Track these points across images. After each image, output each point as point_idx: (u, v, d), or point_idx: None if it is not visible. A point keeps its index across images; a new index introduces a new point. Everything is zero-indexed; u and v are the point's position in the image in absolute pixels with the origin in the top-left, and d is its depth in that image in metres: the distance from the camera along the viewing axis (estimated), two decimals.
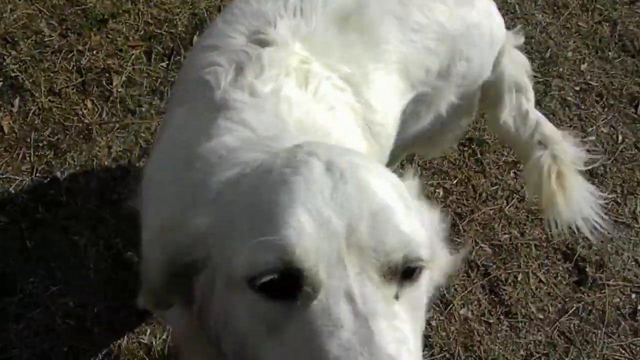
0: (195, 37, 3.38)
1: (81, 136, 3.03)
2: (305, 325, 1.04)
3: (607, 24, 3.98)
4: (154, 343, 2.63)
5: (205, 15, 3.47)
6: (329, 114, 1.70)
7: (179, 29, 3.41)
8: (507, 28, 3.47)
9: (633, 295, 3.06)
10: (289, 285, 1.06)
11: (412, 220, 1.17)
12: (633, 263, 3.14)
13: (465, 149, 3.30)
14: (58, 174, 2.92)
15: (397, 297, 1.11)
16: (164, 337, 2.64)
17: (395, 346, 1.00)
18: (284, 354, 1.06)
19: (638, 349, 2.92)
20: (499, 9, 3.30)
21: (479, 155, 3.29)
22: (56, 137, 3.02)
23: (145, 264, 1.34)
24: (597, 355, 2.87)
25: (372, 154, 1.86)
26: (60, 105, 3.10)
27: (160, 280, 1.26)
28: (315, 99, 1.70)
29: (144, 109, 3.14)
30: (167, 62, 3.30)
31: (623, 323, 2.97)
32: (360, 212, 1.10)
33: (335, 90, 1.78)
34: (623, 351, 2.90)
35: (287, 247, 1.05)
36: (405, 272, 1.12)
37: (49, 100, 3.11)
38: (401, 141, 2.18)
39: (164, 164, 1.71)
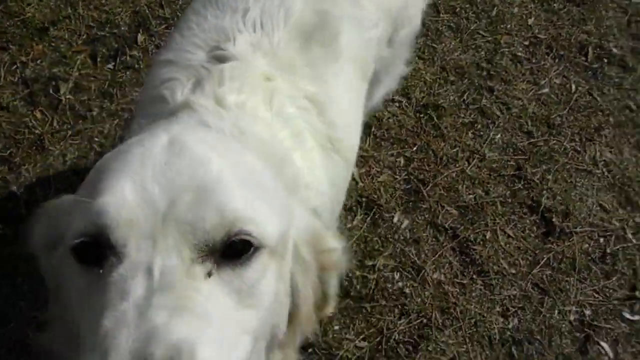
0: (139, 36, 3.34)
1: (34, 148, 2.99)
2: (100, 296, 1.01)
3: None
4: None
5: (147, 11, 3.43)
6: (293, 141, 1.67)
7: (122, 28, 3.37)
8: None
9: (601, 240, 3.10)
10: (99, 253, 1.05)
11: (251, 200, 1.13)
12: (598, 208, 3.18)
13: (422, 115, 3.31)
14: (14, 188, 2.88)
15: (210, 275, 1.06)
16: None
17: (165, 314, 0.96)
18: (87, 324, 1.04)
19: (611, 291, 2.96)
20: None
21: (436, 120, 3.29)
22: (8, 152, 2.97)
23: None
24: (572, 302, 2.90)
25: (335, 170, 1.83)
26: (9, 119, 3.06)
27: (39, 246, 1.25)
28: (279, 120, 1.66)
29: (95, 113, 3.10)
30: (113, 63, 3.26)
31: (594, 268, 3.01)
32: (185, 187, 1.08)
33: (300, 111, 1.74)
34: (597, 295, 2.94)
35: (101, 214, 1.04)
36: (228, 250, 1.08)
37: None
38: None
39: None
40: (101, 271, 1.03)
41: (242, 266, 1.09)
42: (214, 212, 1.07)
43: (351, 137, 1.97)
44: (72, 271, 1.09)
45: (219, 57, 1.70)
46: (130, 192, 1.06)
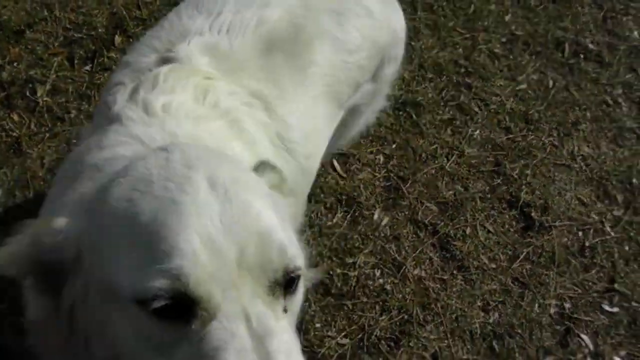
0: (116, 37, 3.33)
1: (11, 151, 2.97)
2: (204, 346, 1.08)
3: None
4: None
5: (124, 13, 3.42)
6: (230, 131, 1.69)
7: (99, 30, 3.36)
8: None
9: (580, 233, 3.13)
10: (181, 309, 1.09)
11: (287, 232, 1.23)
12: (576, 202, 3.21)
13: (401, 112, 3.33)
14: None
15: (285, 311, 1.19)
16: None
17: (283, 357, 1.07)
18: None
19: (590, 284, 2.99)
20: None
21: (415, 117, 3.31)
22: None
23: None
24: (551, 296, 2.92)
25: (287, 170, 1.78)
26: None
27: (18, 262, 1.23)
28: (214, 112, 1.68)
29: (72, 115, 3.09)
30: (90, 65, 3.25)
31: (573, 261, 3.04)
32: (248, 235, 1.14)
33: (241, 105, 1.76)
34: (576, 288, 2.96)
35: (182, 276, 1.08)
36: (287, 284, 1.19)
37: None
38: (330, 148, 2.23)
39: (58, 177, 1.73)
40: (192, 326, 1.09)
41: (294, 294, 1.23)
42: (276, 254, 1.16)
43: (310, 146, 1.98)
44: (142, 325, 1.12)
45: (164, 60, 1.75)
46: (201, 249, 1.10)
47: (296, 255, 1.20)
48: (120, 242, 1.15)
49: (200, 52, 1.77)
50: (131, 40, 3.33)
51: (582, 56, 3.77)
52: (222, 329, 1.08)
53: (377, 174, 3.12)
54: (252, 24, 1.86)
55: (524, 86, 3.56)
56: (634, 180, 3.32)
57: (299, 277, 1.22)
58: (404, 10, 3.30)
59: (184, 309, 1.09)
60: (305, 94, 1.93)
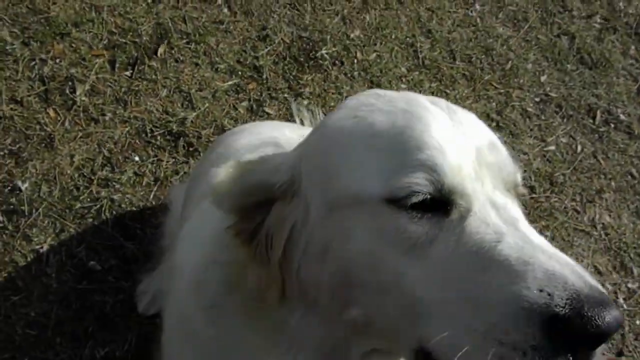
0: (159, 47, 3.38)
1: (43, 145, 3.00)
2: (464, 238, 1.10)
3: (566, 37, 4.08)
4: (116, 354, 2.60)
5: (170, 25, 3.47)
6: None
7: (144, 38, 3.41)
8: (469, 40, 3.57)
9: None
10: (437, 203, 1.12)
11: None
12: (592, 269, 3.20)
13: None
14: (19, 182, 2.88)
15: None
16: (126, 347, 2.61)
17: (546, 242, 1.11)
18: (431, 269, 1.10)
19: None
20: (462, 21, 3.40)
21: None
22: (17, 146, 2.98)
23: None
24: None
25: None
26: (22, 114, 3.07)
27: (239, 193, 1.29)
28: None
29: (107, 118, 3.12)
30: (130, 71, 3.29)
31: None
32: (481, 140, 1.22)
33: None
34: None
35: (437, 166, 1.12)
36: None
37: (11, 108, 3.07)
38: None
39: None
40: (452, 217, 1.13)
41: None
42: (508, 161, 1.24)
43: None
44: (394, 225, 1.12)
45: None
46: (447, 144, 1.15)
47: (519, 172, 1.28)
48: (354, 153, 1.20)
49: None
50: (173, 52, 3.38)
51: (612, 125, 3.79)
52: (480, 218, 1.12)
53: None
54: None
55: (552, 148, 3.58)
56: None
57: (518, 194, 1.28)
58: (443, 58, 3.37)
59: (439, 203, 1.12)
60: None
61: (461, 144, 1.17)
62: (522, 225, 1.13)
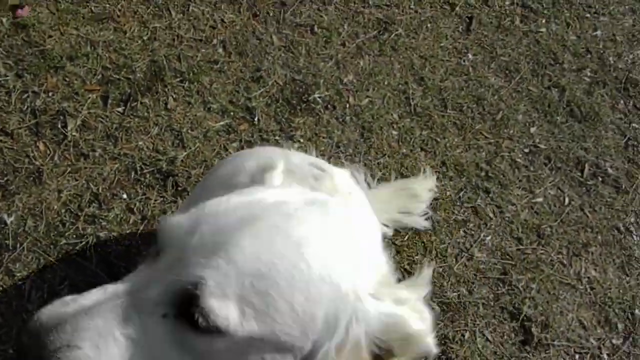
0: (153, 85, 3.38)
1: (31, 178, 2.99)
2: None
3: (556, 90, 4.12)
4: None
5: (165, 62, 3.48)
6: None
7: (137, 75, 3.42)
8: (461, 89, 3.60)
9: (577, 356, 3.11)
10: None
11: None
12: (577, 324, 3.20)
13: None
14: (5, 216, 2.86)
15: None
16: None
17: None
18: None
19: None
20: (454, 70, 3.43)
21: (430, 213, 3.33)
22: (5, 179, 2.96)
23: None
24: None
25: None
26: (11, 147, 3.06)
27: None
28: None
29: (97, 154, 3.11)
30: (123, 107, 3.29)
31: None
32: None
33: None
34: None
35: None
36: None
37: (0, 140, 3.06)
38: None
39: None
40: None
41: None
42: None
43: None
44: None
45: None
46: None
47: None
48: None
49: None
50: (167, 90, 3.39)
51: (600, 179, 3.81)
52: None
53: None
54: None
55: (540, 199, 3.59)
56: (637, 312, 3.32)
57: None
58: (434, 106, 3.39)
59: None
60: None
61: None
62: None
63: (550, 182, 3.69)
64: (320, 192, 1.81)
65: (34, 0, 3.56)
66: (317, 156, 2.81)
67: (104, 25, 3.58)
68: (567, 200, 3.65)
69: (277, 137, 3.37)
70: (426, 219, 3.22)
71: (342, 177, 2.11)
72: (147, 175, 3.10)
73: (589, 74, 4.29)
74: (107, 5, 3.65)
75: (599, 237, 3.56)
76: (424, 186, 3.17)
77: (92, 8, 3.63)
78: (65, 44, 3.46)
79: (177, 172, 3.13)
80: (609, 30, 4.62)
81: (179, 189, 3.08)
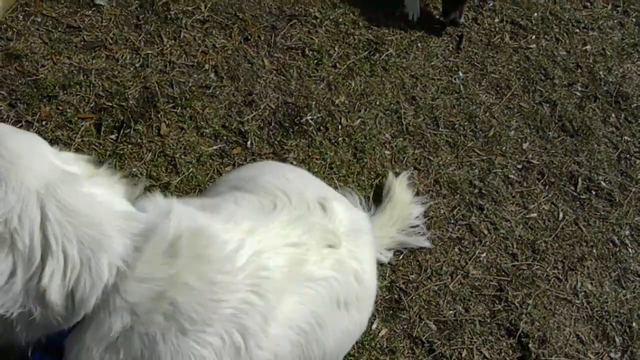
0: (145, 111, 3.41)
1: None
2: None
3: (548, 105, 4.15)
4: None
5: (157, 89, 3.51)
6: None
7: (130, 102, 3.44)
8: (452, 107, 3.62)
9: None
10: None
11: None
12: (574, 339, 3.19)
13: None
14: None
15: None
16: None
17: None
18: None
19: None
20: (445, 89, 3.44)
21: (425, 230, 3.34)
22: None
23: None
24: None
25: None
26: None
27: None
28: None
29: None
30: (116, 134, 3.31)
31: None
32: None
33: None
34: None
35: None
36: None
37: None
38: None
39: None
40: None
41: None
42: None
43: None
44: None
45: None
46: None
47: None
48: None
49: None
50: (160, 116, 3.41)
51: (593, 192, 3.83)
52: None
53: (380, 283, 3.12)
54: None
55: (534, 215, 3.60)
56: (634, 325, 3.31)
57: None
58: (427, 125, 3.41)
59: None
60: None
61: None
62: None
63: (544, 197, 3.71)
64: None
65: (27, 30, 3.59)
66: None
67: (97, 54, 3.61)
68: (561, 214, 3.66)
69: (270, 160, 3.39)
70: (427, 239, 3.24)
71: (347, 213, 2.15)
72: None
73: (579, 88, 4.33)
74: (100, 34, 3.69)
75: (594, 250, 3.57)
76: (407, 198, 3.22)
77: (85, 37, 3.66)
78: (58, 73, 3.49)
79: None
80: (599, 44, 4.66)
81: None
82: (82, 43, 3.64)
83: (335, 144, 3.56)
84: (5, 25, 3.58)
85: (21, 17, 3.66)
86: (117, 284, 1.49)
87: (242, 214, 1.85)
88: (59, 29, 3.66)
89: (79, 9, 3.77)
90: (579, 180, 3.85)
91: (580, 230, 3.63)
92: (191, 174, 3.25)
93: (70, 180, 1.52)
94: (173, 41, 3.76)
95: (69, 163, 1.62)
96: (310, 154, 3.48)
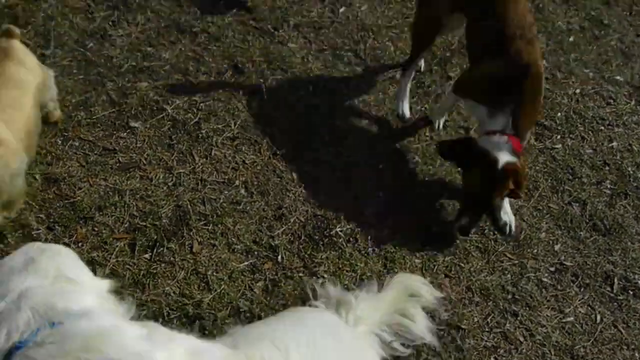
0: (178, 230, 3.49)
1: None
2: None
3: (577, 204, 4.15)
4: None
5: (189, 207, 3.61)
6: None
7: (163, 221, 3.53)
8: None
9: None
10: None
11: None
12: None
13: (444, 334, 3.32)
14: None
15: None
16: None
17: None
18: None
19: None
20: None
21: (459, 342, 3.30)
22: None
23: None
24: None
25: None
26: None
27: None
28: None
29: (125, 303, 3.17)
30: (150, 253, 3.39)
31: None
32: None
33: None
34: None
35: None
36: None
37: None
38: None
39: None
40: None
41: None
42: None
43: None
44: None
45: None
46: None
47: None
48: None
49: None
50: (192, 234, 3.49)
51: (631, 292, 3.76)
52: None
53: None
54: None
55: (571, 319, 3.55)
56: None
57: None
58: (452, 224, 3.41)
59: None
60: None
61: None
62: None
63: (579, 300, 3.65)
64: None
65: (65, 154, 3.75)
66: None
67: (131, 174, 3.74)
68: (598, 317, 3.60)
69: (300, 274, 3.42)
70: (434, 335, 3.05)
71: None
72: (175, 321, 3.15)
73: (609, 186, 4.32)
74: (134, 155, 3.83)
75: (637, 354, 3.48)
76: (418, 281, 3.02)
77: (120, 158, 3.81)
78: (94, 194, 3.62)
79: (203, 316, 3.18)
80: (625, 140, 4.68)
81: (206, 332, 3.12)
82: (117, 164, 3.78)
83: (366, 254, 3.59)
84: (45, 150, 3.75)
85: (60, 141, 3.84)
86: None
87: None
88: (95, 152, 3.82)
89: (115, 132, 3.94)
90: (615, 280, 3.80)
91: (620, 333, 3.55)
92: (223, 291, 3.29)
93: None
94: (204, 159, 3.89)
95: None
96: (340, 266, 3.50)
